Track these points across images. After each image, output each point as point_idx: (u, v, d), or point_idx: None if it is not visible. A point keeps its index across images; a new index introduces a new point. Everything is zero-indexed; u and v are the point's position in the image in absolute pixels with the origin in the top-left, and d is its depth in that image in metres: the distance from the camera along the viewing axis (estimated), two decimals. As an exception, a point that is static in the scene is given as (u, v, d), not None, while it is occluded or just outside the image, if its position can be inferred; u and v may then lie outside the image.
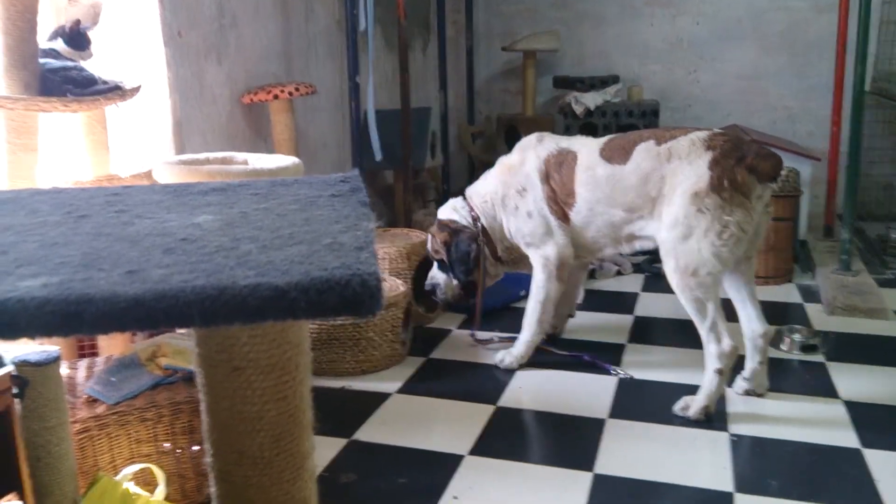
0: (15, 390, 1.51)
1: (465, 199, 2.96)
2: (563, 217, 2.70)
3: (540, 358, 2.87)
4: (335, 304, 0.71)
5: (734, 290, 2.53)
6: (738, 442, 2.25)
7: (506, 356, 2.85)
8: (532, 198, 2.74)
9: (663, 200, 2.44)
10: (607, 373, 2.75)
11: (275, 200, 1.01)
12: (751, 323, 2.53)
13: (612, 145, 2.61)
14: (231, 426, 0.89)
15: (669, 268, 2.40)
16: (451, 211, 2.96)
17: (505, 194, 2.82)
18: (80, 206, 1.00)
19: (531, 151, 2.77)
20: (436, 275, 3.03)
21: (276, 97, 3.12)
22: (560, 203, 2.69)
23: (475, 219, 2.90)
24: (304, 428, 0.93)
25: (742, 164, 2.33)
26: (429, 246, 3.03)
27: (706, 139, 2.41)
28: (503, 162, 2.89)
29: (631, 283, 3.84)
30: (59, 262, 0.76)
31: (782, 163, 2.42)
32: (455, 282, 2.96)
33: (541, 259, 2.77)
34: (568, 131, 4.52)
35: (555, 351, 2.95)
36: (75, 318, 0.67)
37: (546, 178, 2.71)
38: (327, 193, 1.04)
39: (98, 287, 0.69)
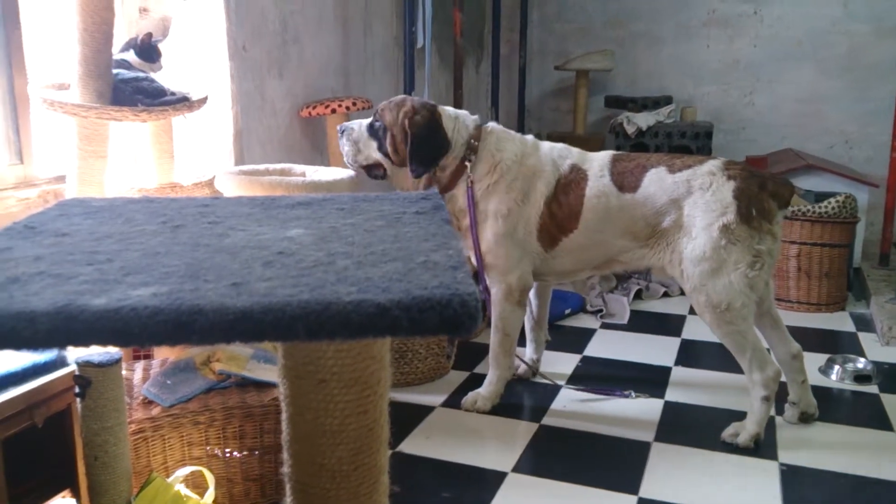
0: (77, 390, 1.57)
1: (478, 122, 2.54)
2: (551, 243, 2.50)
3: (584, 378, 2.86)
4: (435, 323, 0.72)
5: (757, 317, 2.46)
6: (787, 471, 2.21)
7: (478, 399, 2.64)
8: (525, 216, 2.47)
9: (679, 232, 2.37)
10: (624, 397, 2.71)
11: (360, 216, 1.03)
12: (782, 345, 2.49)
13: (619, 169, 2.45)
14: (312, 438, 0.91)
15: (700, 304, 2.35)
16: (449, 108, 2.54)
17: (511, 183, 2.47)
18: (173, 216, 1.04)
19: (552, 165, 2.49)
20: (358, 132, 2.53)
21: (333, 111, 3.17)
22: (554, 229, 2.48)
23: (471, 144, 2.47)
24: (381, 442, 0.95)
25: (765, 191, 2.31)
26: (380, 107, 2.51)
27: (724, 168, 2.36)
28: (526, 145, 2.53)
29: (678, 305, 3.80)
30: (164, 271, 0.79)
31: (794, 188, 2.41)
32: (384, 158, 2.51)
33: (504, 287, 2.53)
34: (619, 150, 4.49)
35: (550, 383, 2.83)
36: (186, 328, 0.69)
37: (551, 199, 2.47)
38: (411, 210, 1.06)
39: (207, 298, 0.72)
